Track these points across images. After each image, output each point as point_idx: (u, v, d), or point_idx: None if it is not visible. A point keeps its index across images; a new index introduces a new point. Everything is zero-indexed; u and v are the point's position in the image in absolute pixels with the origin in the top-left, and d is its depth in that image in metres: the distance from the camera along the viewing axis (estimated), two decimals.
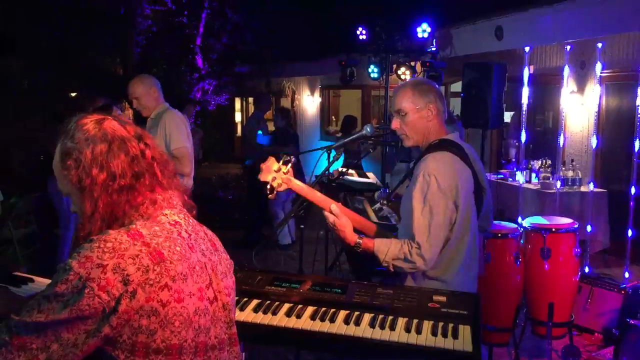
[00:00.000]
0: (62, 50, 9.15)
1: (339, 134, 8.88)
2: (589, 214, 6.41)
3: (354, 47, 7.00)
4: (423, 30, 6.42)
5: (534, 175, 7.40)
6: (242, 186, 9.79)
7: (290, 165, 2.60)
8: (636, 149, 5.83)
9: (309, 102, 14.18)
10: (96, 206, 1.43)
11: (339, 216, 2.49)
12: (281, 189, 2.57)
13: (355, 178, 4.95)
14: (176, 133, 4.44)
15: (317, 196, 2.58)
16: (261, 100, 7.99)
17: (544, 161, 7.45)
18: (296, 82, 14.38)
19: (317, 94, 14.00)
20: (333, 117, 14.51)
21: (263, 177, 2.56)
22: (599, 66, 6.13)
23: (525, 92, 6.45)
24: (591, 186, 6.56)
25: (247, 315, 2.12)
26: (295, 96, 14.42)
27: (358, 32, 6.51)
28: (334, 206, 2.51)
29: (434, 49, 6.54)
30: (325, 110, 14.15)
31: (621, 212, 6.29)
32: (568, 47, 6.06)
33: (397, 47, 6.46)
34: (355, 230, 2.59)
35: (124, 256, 1.33)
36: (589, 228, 6.25)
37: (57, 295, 1.29)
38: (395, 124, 2.59)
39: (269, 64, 10.20)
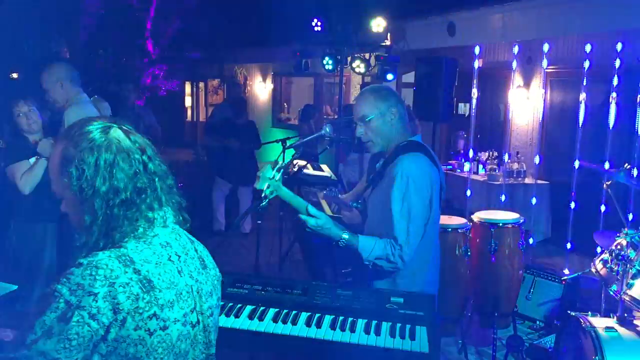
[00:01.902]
0: (3, 31, 8.77)
1: (297, 123, 8.90)
2: (532, 205, 6.68)
3: (308, 36, 7.02)
4: (378, 24, 6.51)
5: (481, 166, 7.64)
6: (193, 174, 9.70)
7: (282, 171, 2.62)
8: (576, 154, 6.08)
9: (261, 89, 14.11)
10: (96, 218, 1.40)
11: (318, 216, 2.49)
12: (272, 196, 2.58)
13: (310, 171, 5.01)
14: None
15: (300, 203, 2.61)
16: (230, 90, 7.98)
17: (490, 153, 7.70)
18: (248, 68, 14.26)
19: (269, 81, 13.94)
20: (285, 103, 14.50)
21: (259, 185, 2.57)
22: (545, 63, 6.35)
23: (475, 89, 6.63)
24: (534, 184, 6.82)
25: None
26: (247, 82, 14.32)
27: (313, 24, 6.54)
28: (311, 207, 2.53)
29: (388, 43, 6.64)
30: (278, 97, 14.11)
31: (562, 203, 6.57)
32: (516, 46, 6.27)
33: (351, 40, 6.53)
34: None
35: (114, 284, 1.31)
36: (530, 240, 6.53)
37: (46, 324, 1.27)
38: (360, 131, 2.62)
39: (221, 50, 10.08)
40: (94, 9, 8.64)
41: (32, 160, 3.70)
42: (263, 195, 2.54)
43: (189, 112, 16.87)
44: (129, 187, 1.42)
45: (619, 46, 5.75)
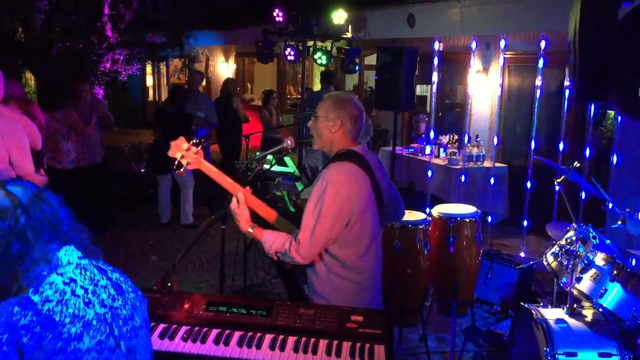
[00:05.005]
0: None
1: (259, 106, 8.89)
2: (490, 187, 6.88)
3: (269, 26, 6.99)
4: (339, 16, 6.53)
5: (442, 150, 7.79)
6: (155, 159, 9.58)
7: (200, 147, 2.77)
8: (532, 146, 6.26)
9: (224, 68, 13.97)
10: None
11: (240, 205, 2.69)
12: (190, 167, 2.74)
13: (274, 167, 5.06)
14: None
15: (226, 181, 2.76)
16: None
17: (451, 137, 7.86)
18: (210, 49, 14.09)
19: (232, 61, 13.80)
20: (248, 84, 14.40)
21: (171, 153, 2.73)
22: (501, 55, 6.49)
23: (435, 76, 6.72)
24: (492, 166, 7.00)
25: (177, 344, 2.23)
26: (209, 62, 14.15)
27: (275, 14, 6.52)
28: (241, 195, 2.71)
29: (349, 35, 6.67)
30: (241, 77, 14.01)
31: (520, 186, 6.79)
32: (474, 41, 6.37)
33: (313, 32, 6.53)
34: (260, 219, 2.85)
35: (16, 329, 1.41)
36: (488, 218, 6.70)
37: None
38: (310, 123, 2.85)
39: (182, 32, 9.93)
40: None
41: None
42: (176, 162, 2.71)
43: (151, 91, 16.61)
44: (11, 243, 1.48)
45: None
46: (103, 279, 1.60)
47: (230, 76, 13.99)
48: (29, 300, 1.45)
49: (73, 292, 1.51)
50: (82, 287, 1.54)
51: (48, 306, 1.46)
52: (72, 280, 1.53)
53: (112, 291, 1.60)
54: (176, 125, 6.96)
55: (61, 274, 1.53)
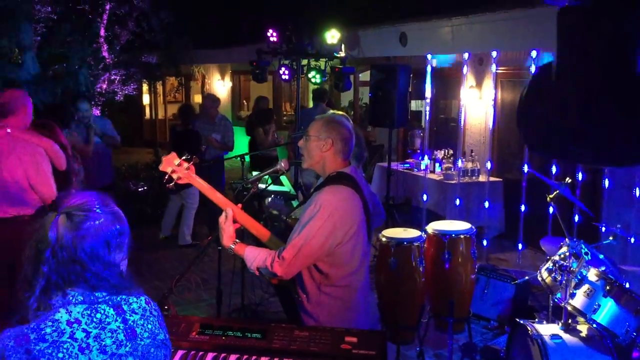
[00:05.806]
0: None
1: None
2: (486, 202, 6.92)
3: (263, 45, 7.09)
4: (332, 35, 6.63)
5: (437, 165, 7.84)
6: (154, 177, 9.64)
7: (191, 162, 2.83)
8: (525, 164, 6.31)
9: (220, 86, 14.07)
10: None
11: (227, 220, 2.74)
12: (181, 182, 2.81)
13: (270, 186, 5.11)
14: None
15: (216, 196, 2.83)
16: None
17: (446, 151, 7.91)
18: (206, 67, 14.21)
19: (227, 78, 13.91)
20: (244, 101, 14.48)
21: (162, 167, 2.80)
22: (493, 67, 6.57)
23: (428, 92, 6.80)
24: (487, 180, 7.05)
25: None
26: (206, 80, 14.26)
27: (269, 34, 6.62)
28: (229, 210, 2.77)
29: (342, 54, 6.77)
30: (237, 94, 14.11)
31: (515, 200, 6.83)
32: (466, 53, 6.46)
33: (307, 51, 6.63)
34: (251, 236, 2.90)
35: None
36: (484, 242, 6.73)
37: None
38: (301, 142, 2.88)
39: (177, 52, 10.04)
40: (45, 15, 8.46)
41: None
42: (167, 176, 2.77)
43: (147, 110, 16.68)
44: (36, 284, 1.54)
45: None
46: (116, 321, 1.55)
47: (226, 94, 14.11)
48: (26, 337, 1.47)
49: (72, 335, 1.49)
50: (84, 330, 1.51)
51: (40, 346, 1.46)
52: (77, 321, 1.51)
53: (120, 336, 1.54)
54: (183, 144, 7.01)
55: (69, 312, 1.52)
